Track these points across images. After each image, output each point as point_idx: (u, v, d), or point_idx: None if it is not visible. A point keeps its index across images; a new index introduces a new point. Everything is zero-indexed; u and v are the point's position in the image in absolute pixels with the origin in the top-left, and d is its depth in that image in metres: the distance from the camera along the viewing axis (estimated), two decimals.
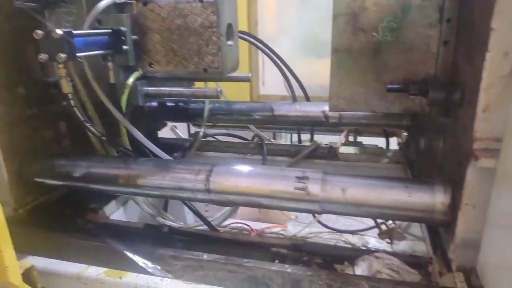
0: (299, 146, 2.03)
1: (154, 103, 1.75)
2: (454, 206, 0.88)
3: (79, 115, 1.13)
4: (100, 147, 1.32)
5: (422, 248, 1.67)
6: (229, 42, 1.33)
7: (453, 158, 0.91)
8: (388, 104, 1.09)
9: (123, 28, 1.13)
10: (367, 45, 1.05)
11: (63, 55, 0.91)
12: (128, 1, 1.17)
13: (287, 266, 0.79)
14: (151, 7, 1.22)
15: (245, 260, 0.81)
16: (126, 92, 1.21)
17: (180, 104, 1.87)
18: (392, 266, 0.97)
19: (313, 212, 0.94)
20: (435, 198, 0.91)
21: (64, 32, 0.92)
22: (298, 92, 1.90)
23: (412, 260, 1.04)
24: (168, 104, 1.84)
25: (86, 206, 1.32)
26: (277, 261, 1.03)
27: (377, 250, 1.05)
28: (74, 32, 0.96)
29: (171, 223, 1.48)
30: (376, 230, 2.24)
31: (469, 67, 0.85)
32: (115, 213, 1.36)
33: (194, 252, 0.83)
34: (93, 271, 0.98)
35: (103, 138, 1.17)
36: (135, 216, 1.50)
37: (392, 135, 2.08)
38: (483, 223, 0.79)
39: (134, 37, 1.20)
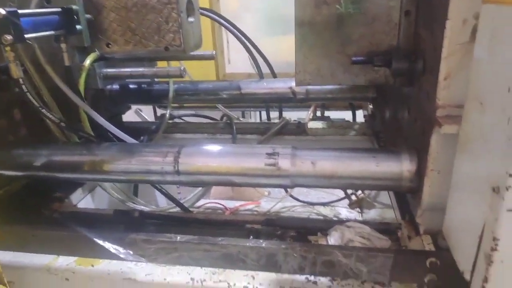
0: (268, 123, 2.03)
1: (116, 86, 1.68)
2: (420, 173, 0.91)
3: (34, 101, 1.06)
4: (60, 134, 1.26)
5: (391, 215, 1.74)
6: (190, 19, 1.29)
7: (418, 126, 0.94)
8: (353, 77, 1.09)
9: (74, 7, 1.06)
10: (330, 18, 1.05)
11: (8, 37, 0.85)
12: None
13: (261, 241, 0.80)
14: None
15: (220, 239, 0.81)
16: (83, 75, 1.15)
17: (143, 85, 1.81)
18: (363, 234, 1.00)
19: (284, 187, 0.94)
20: (402, 166, 0.94)
21: (8, 12, 0.85)
22: (265, 69, 1.88)
23: (382, 227, 1.07)
24: (131, 86, 1.78)
25: (50, 195, 1.26)
26: (251, 237, 1.03)
27: (348, 220, 1.07)
28: (20, 11, 0.88)
29: (142, 207, 1.45)
30: (346, 201, 2.31)
31: (429, 36, 0.86)
32: (83, 201, 1.32)
33: (167, 234, 0.82)
34: (63, 261, 0.95)
35: (62, 124, 1.11)
36: (104, 202, 1.45)
37: (359, 108, 2.11)
38: (447, 188, 0.83)
39: (88, 16, 1.13)
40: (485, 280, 0.64)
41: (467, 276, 0.71)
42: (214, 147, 1.03)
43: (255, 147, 1.10)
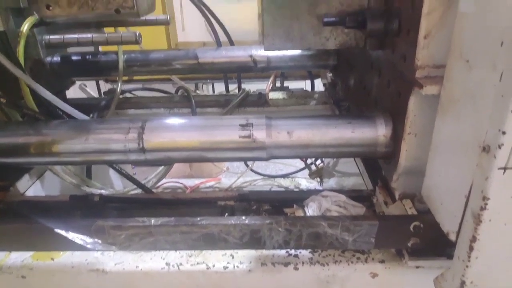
0: (227, 95, 1.95)
1: (57, 58, 1.50)
2: (396, 137, 0.90)
3: None
4: None
5: (349, 182, 1.78)
6: None
7: (392, 89, 0.92)
8: (323, 40, 1.05)
9: None
10: None
11: None
12: None
13: (244, 218, 0.75)
14: None
15: (198, 219, 0.75)
16: (22, 42, 1.00)
17: (87, 57, 1.64)
18: (339, 203, 0.99)
19: (260, 159, 0.89)
20: (377, 131, 0.92)
21: None
22: (221, 37, 1.79)
23: (354, 195, 1.07)
24: (74, 58, 1.60)
25: None
26: (226, 214, 0.98)
27: (322, 190, 1.06)
28: None
29: (100, 191, 1.34)
30: (306, 172, 2.34)
31: None
32: (31, 188, 1.18)
33: (139, 218, 0.74)
34: (17, 258, 0.84)
35: (1, 100, 0.96)
36: (55, 189, 1.32)
37: (317, 77, 2.10)
38: (425, 151, 0.82)
39: None
40: (473, 239, 0.64)
41: (452, 237, 0.71)
42: (181, 121, 0.95)
43: (226, 118, 1.03)
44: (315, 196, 1.00)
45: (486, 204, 0.61)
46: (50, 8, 1.04)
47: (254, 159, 0.94)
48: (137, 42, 1.13)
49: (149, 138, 0.91)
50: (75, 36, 1.14)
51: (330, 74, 1.86)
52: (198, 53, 1.67)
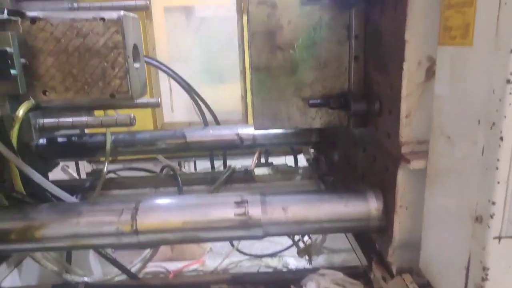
0: (213, 172, 1.97)
1: (43, 140, 1.51)
2: (387, 211, 0.92)
3: None
4: None
5: (338, 259, 1.75)
6: (136, 65, 1.24)
7: (379, 164, 0.97)
8: (309, 120, 1.11)
9: (9, 49, 0.95)
10: (285, 63, 1.07)
11: None
12: (12, 18, 0.99)
13: None
14: (41, 26, 1.06)
15: None
16: (17, 126, 1.01)
17: (73, 138, 1.66)
18: (337, 281, 0.97)
19: (255, 238, 0.88)
20: (369, 206, 0.94)
21: None
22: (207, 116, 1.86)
23: (349, 272, 1.05)
24: (60, 140, 1.62)
25: None
26: None
27: (318, 268, 1.04)
28: None
29: (84, 278, 1.26)
30: (293, 249, 2.28)
31: (383, 78, 0.91)
32: (7, 278, 1.09)
33: None
34: None
35: None
36: (33, 277, 1.23)
37: (299, 152, 2.17)
38: (418, 223, 0.84)
39: (23, 60, 1.02)
40: None
41: None
42: (175, 200, 0.95)
43: (220, 196, 1.04)
44: (312, 275, 0.97)
45: (487, 274, 0.62)
46: (47, 93, 1.08)
47: (250, 238, 0.93)
48: (131, 124, 1.16)
49: (143, 219, 0.90)
50: (70, 119, 1.17)
51: (312, 150, 1.93)
52: (186, 132, 1.72)
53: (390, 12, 0.85)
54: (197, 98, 1.79)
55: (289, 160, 2.20)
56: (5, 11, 0.94)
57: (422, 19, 0.76)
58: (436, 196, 0.77)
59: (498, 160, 0.57)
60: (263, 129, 1.13)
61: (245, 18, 2.11)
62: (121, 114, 1.23)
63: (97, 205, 0.96)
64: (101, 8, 1.23)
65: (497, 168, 0.58)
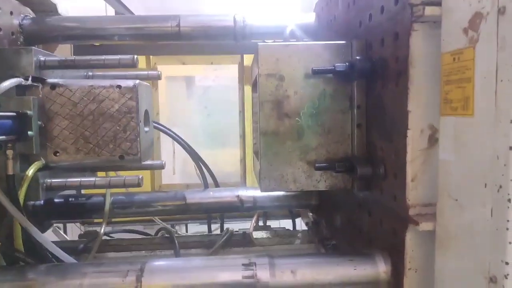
0: (211, 235, 1.94)
1: (39, 201, 1.50)
2: (397, 274, 0.92)
3: None
4: None
5: None
6: (146, 129, 1.29)
7: (386, 227, 0.98)
8: (315, 182, 1.15)
9: (29, 112, 0.99)
10: (291, 129, 1.13)
11: None
12: (34, 84, 1.05)
13: None
14: (60, 91, 1.11)
15: None
16: (25, 185, 1.02)
17: (70, 199, 1.65)
18: None
19: None
20: (378, 268, 0.94)
21: None
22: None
23: None
24: (57, 200, 1.61)
25: None
26: None
27: None
28: None
29: None
30: None
31: (387, 145, 0.96)
32: None
33: None
34: None
35: None
36: None
37: (297, 216, 2.16)
38: (428, 285, 0.84)
39: (39, 122, 1.06)
40: None
41: None
42: (182, 262, 0.94)
43: (226, 258, 1.02)
44: None
45: None
46: (58, 154, 1.11)
47: None
48: (139, 185, 1.18)
49: (149, 281, 0.88)
50: (78, 179, 1.18)
51: (311, 214, 1.93)
52: (186, 194, 1.72)
53: (392, 85, 0.92)
54: (199, 162, 1.82)
55: (287, 224, 2.19)
56: (30, 78, 1.00)
57: (423, 92, 0.83)
58: (447, 258, 0.78)
59: (508, 221, 0.60)
60: (269, 191, 1.15)
61: (246, 87, 2.25)
62: (130, 175, 1.25)
63: (101, 266, 0.94)
64: (115, 77, 1.31)
65: (507, 229, 0.60)
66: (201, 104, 3.02)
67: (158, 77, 1.44)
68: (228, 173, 2.38)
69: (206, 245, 1.81)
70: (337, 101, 1.13)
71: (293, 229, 2.09)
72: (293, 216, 2.11)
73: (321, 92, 1.13)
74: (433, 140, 0.85)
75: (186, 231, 3.38)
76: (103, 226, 1.68)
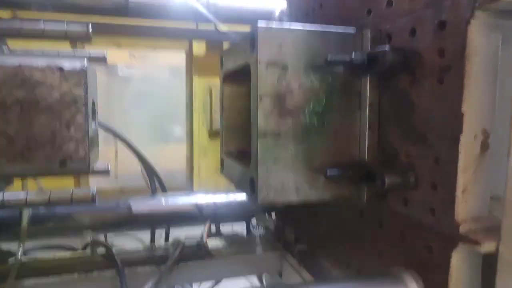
0: (159, 249, 1.64)
1: None
2: None
3: None
4: None
5: None
6: (93, 126, 0.98)
7: (413, 243, 0.86)
8: (320, 192, 0.98)
9: None
10: (295, 129, 0.95)
11: None
12: None
13: None
14: None
15: None
16: None
17: None
18: None
19: None
20: None
21: None
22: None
23: None
24: None
25: None
26: None
27: None
28: None
29: None
30: None
31: (419, 149, 0.84)
32: None
33: None
34: None
35: None
36: None
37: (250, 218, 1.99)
38: None
39: None
40: None
41: None
42: None
43: None
44: None
45: None
46: None
47: None
48: (93, 201, 0.87)
49: None
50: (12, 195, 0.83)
51: (274, 217, 1.78)
52: (132, 203, 1.43)
53: (431, 82, 0.79)
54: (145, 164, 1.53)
55: (239, 227, 2.00)
56: None
57: (480, 91, 0.72)
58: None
59: None
60: (268, 201, 0.95)
61: (195, 79, 1.97)
62: (82, 187, 0.92)
63: None
64: (44, 55, 0.97)
65: None
66: (141, 97, 2.63)
67: (103, 59, 1.11)
68: (172, 171, 2.09)
69: (156, 261, 1.52)
70: (345, 98, 0.98)
71: (247, 234, 1.92)
72: (247, 219, 1.92)
73: (328, 86, 0.96)
74: (485, 146, 0.74)
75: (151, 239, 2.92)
76: (21, 246, 1.30)
